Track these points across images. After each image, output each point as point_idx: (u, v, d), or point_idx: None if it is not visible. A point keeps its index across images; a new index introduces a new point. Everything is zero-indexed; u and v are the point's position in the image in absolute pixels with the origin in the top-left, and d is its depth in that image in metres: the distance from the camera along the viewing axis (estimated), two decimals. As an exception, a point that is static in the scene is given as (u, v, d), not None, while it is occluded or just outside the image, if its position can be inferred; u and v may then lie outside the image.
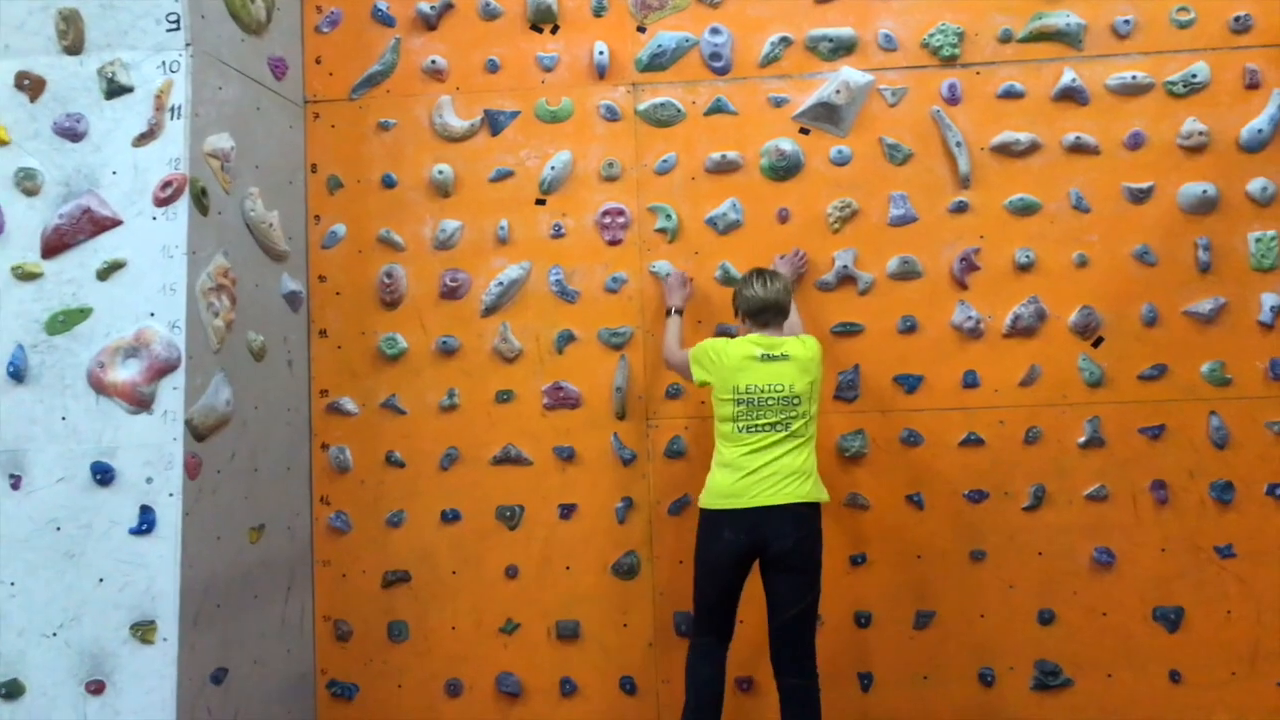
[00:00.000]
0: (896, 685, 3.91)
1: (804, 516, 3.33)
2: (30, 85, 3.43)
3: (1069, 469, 3.88)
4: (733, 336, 3.61)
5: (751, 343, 3.43)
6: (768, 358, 3.39)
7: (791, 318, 3.59)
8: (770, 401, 3.35)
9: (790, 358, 3.40)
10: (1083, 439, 3.88)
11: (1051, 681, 3.85)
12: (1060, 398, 3.89)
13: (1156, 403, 3.86)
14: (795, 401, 3.36)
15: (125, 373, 3.32)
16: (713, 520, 3.39)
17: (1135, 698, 3.83)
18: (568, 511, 4.04)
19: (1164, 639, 3.83)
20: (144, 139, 3.42)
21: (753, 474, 3.33)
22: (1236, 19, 3.87)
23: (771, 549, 3.32)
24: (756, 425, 3.36)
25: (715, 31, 4.03)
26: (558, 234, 4.07)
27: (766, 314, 3.47)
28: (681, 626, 3.96)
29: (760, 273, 3.54)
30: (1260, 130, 3.85)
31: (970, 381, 3.92)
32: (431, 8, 4.13)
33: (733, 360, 3.42)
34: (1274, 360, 3.82)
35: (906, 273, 3.96)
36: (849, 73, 3.99)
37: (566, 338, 4.05)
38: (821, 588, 3.40)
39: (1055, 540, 3.87)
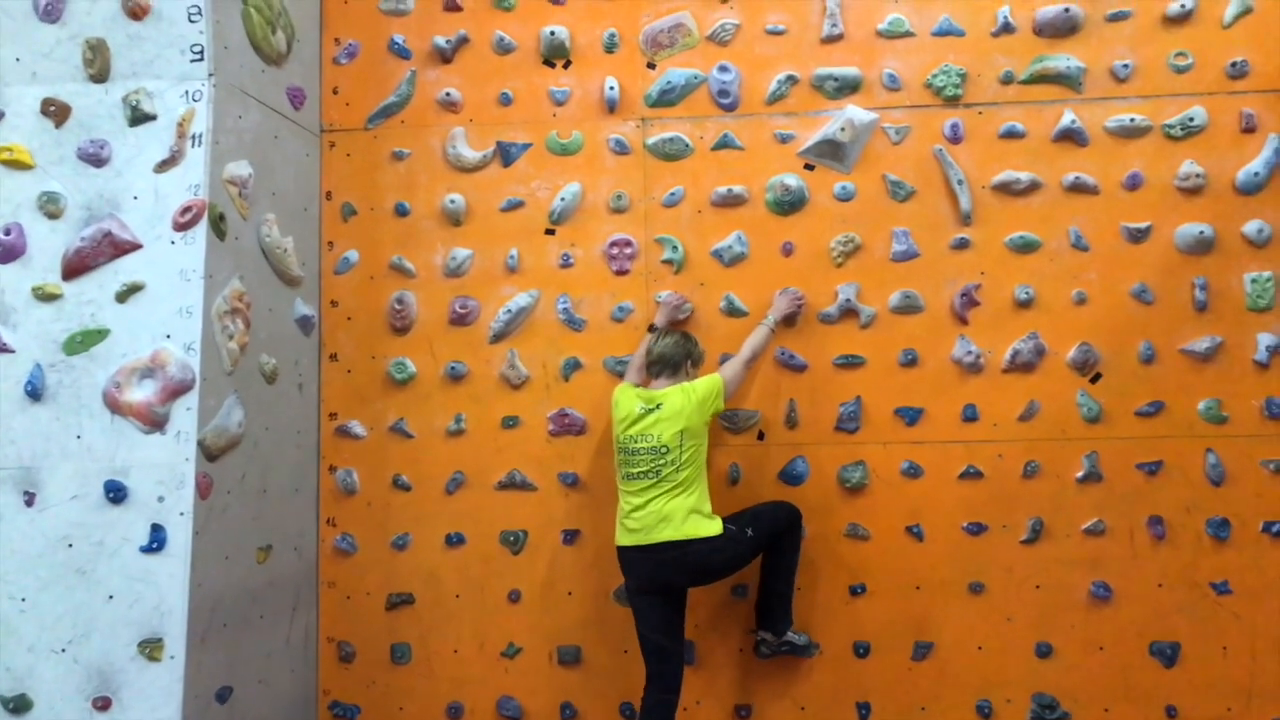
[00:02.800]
0: (895, 716, 3.93)
1: (687, 548, 3.50)
2: (56, 112, 3.53)
3: (1067, 503, 3.92)
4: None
5: (637, 396, 3.68)
6: (644, 410, 3.61)
7: (737, 362, 3.79)
8: (641, 452, 3.57)
9: (662, 408, 3.58)
10: (1081, 474, 3.93)
11: (1049, 715, 3.87)
12: (1059, 433, 3.94)
13: (1154, 439, 3.91)
14: (664, 451, 3.54)
15: (140, 393, 3.39)
16: (621, 558, 3.65)
17: (1132, 732, 3.85)
18: (571, 537, 4.08)
19: (1161, 674, 3.86)
20: (165, 165, 3.50)
21: (631, 517, 3.58)
22: (1233, 64, 3.96)
23: (670, 585, 3.58)
24: (631, 474, 3.60)
25: (723, 69, 4.13)
26: (566, 264, 4.15)
27: (654, 367, 3.72)
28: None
29: (667, 331, 3.81)
30: (1256, 173, 3.92)
31: (970, 415, 3.98)
32: (447, 41, 4.23)
33: (620, 412, 3.68)
34: (1270, 399, 3.87)
35: (908, 307, 4.03)
36: (854, 111, 4.07)
37: (573, 365, 4.11)
38: (752, 538, 3.59)
39: (1053, 573, 3.91)
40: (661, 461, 3.54)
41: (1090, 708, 3.87)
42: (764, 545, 3.70)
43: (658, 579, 3.57)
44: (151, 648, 3.28)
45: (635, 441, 3.59)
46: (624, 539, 3.60)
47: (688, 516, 3.51)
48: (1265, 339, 3.89)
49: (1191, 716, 3.83)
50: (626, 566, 3.63)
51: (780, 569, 3.77)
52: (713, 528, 3.54)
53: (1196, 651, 3.85)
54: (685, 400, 3.58)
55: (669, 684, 3.55)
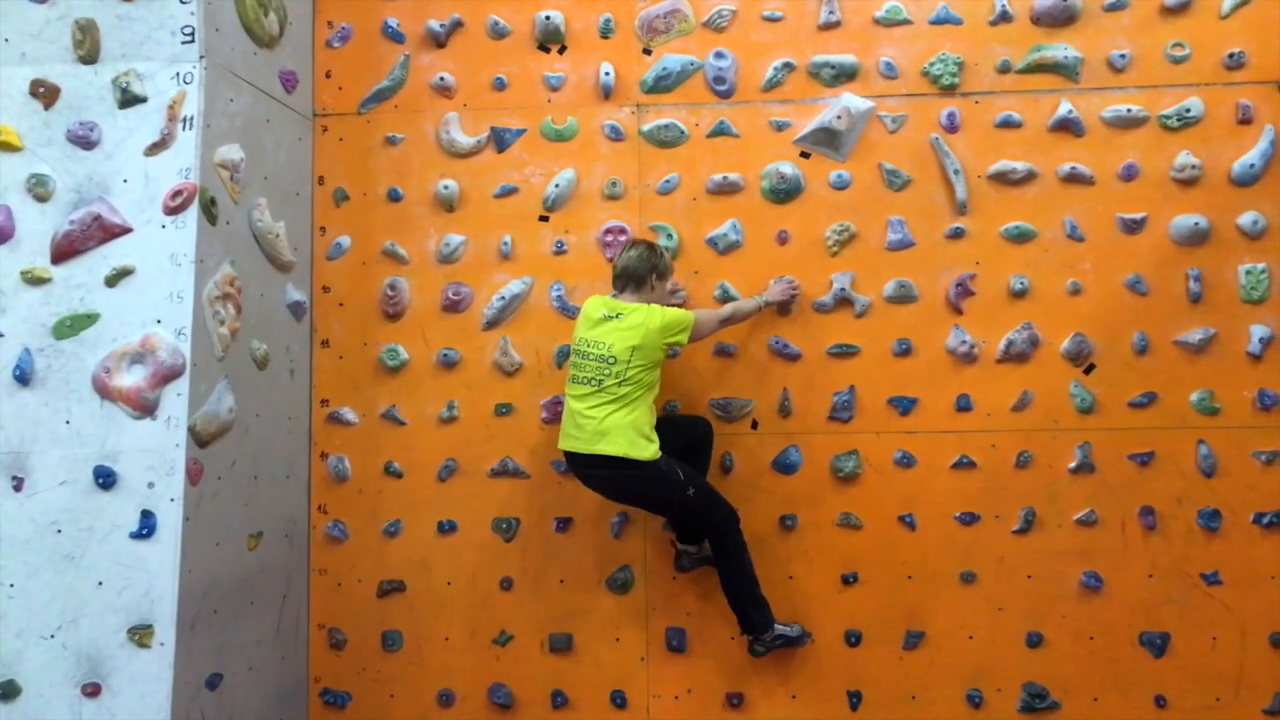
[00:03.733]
0: (885, 705, 3.94)
1: (618, 466, 3.53)
2: (45, 93, 3.49)
3: (1059, 494, 3.93)
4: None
5: (601, 302, 3.68)
6: (605, 317, 3.61)
7: (715, 315, 3.76)
8: (590, 357, 3.58)
9: (622, 318, 3.57)
10: (1073, 464, 3.93)
11: (1039, 704, 3.88)
12: (1052, 423, 3.95)
13: (1146, 430, 3.92)
14: (611, 361, 3.53)
15: (130, 378, 3.36)
16: (568, 460, 3.74)
17: (1121, 722, 3.87)
18: (563, 525, 4.07)
19: (1150, 664, 3.87)
20: (156, 148, 3.47)
21: (572, 421, 3.61)
22: (1230, 56, 3.95)
23: (600, 492, 3.72)
24: (578, 378, 3.62)
25: (719, 56, 4.10)
26: (560, 250, 4.13)
27: (619, 280, 3.70)
28: (673, 642, 3.99)
29: (633, 243, 3.77)
30: (1252, 165, 3.92)
31: (964, 405, 3.98)
32: (441, 25, 4.20)
33: (584, 315, 3.70)
34: (1262, 391, 3.88)
35: (903, 296, 4.02)
36: (850, 99, 4.06)
37: (566, 353, 4.09)
38: (686, 494, 3.60)
39: (1045, 564, 3.92)
40: (606, 372, 3.53)
41: (1080, 697, 3.89)
42: (694, 514, 3.70)
43: (597, 489, 3.70)
44: (141, 634, 3.27)
45: (588, 345, 3.59)
46: (564, 443, 3.65)
47: (624, 433, 3.50)
48: (1258, 331, 3.90)
49: (1180, 706, 3.85)
50: (571, 468, 3.73)
51: (736, 576, 3.74)
52: (647, 451, 3.53)
53: (1186, 642, 3.87)
54: (648, 318, 3.55)
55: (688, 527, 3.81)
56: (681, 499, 3.62)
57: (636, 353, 3.52)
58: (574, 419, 3.59)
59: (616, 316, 3.58)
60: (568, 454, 3.67)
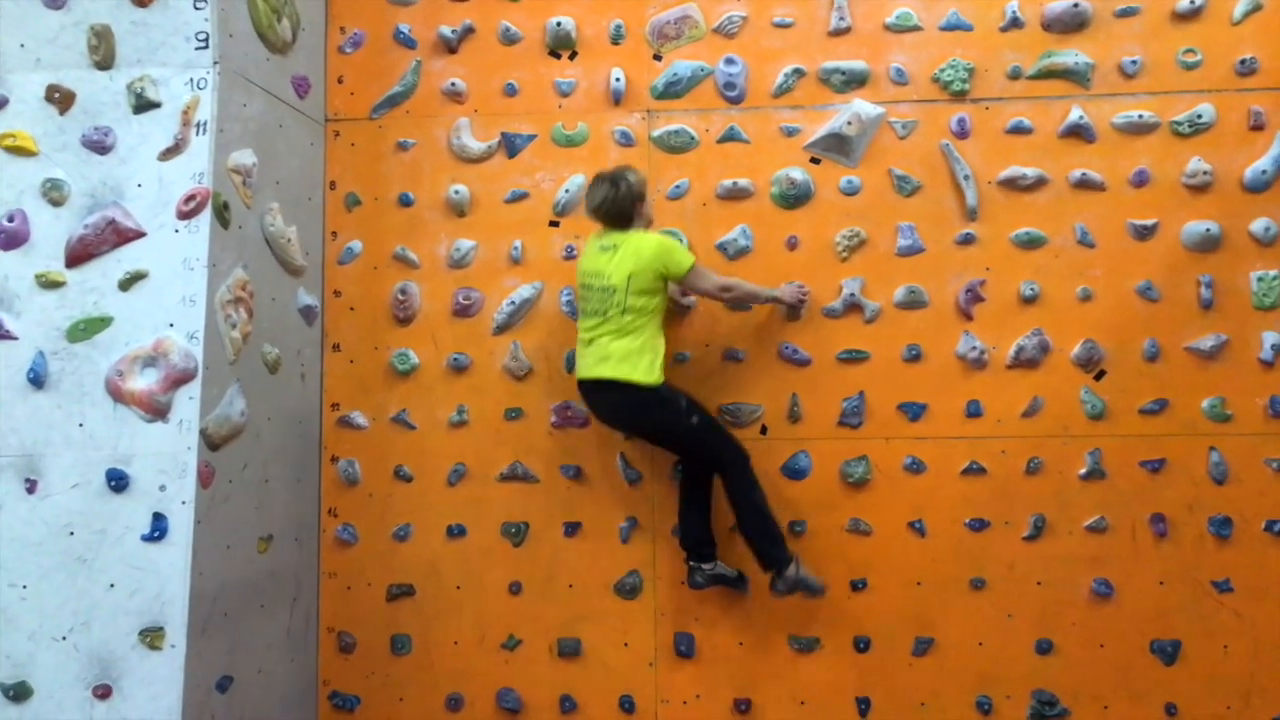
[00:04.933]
0: (894, 711, 3.93)
1: (620, 390, 3.60)
2: (60, 98, 3.51)
3: (1069, 500, 3.92)
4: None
5: (599, 236, 3.75)
6: (602, 249, 3.68)
7: (719, 278, 3.75)
8: (594, 289, 3.65)
9: (618, 249, 3.62)
10: (1084, 471, 3.92)
11: (1048, 711, 3.87)
12: (1062, 429, 3.94)
13: (1157, 437, 3.90)
14: (611, 290, 3.59)
15: (143, 381, 3.38)
16: (579, 389, 3.81)
17: (1132, 730, 3.86)
18: (572, 529, 4.08)
19: (1161, 672, 3.86)
20: (169, 153, 3.49)
21: (581, 352, 3.72)
22: (1242, 62, 3.94)
23: (607, 422, 3.84)
24: (584, 310, 3.71)
25: (730, 61, 4.11)
26: (570, 256, 4.13)
27: (605, 222, 3.73)
28: (681, 647, 3.99)
29: (594, 183, 3.74)
30: (1264, 171, 3.91)
31: (973, 411, 3.97)
32: (453, 31, 4.22)
33: (586, 249, 3.80)
34: (1274, 398, 3.87)
35: (913, 302, 4.02)
36: (860, 105, 4.06)
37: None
38: (689, 422, 3.65)
39: (1055, 570, 3.91)
40: (609, 301, 3.60)
41: (1090, 705, 3.87)
42: (700, 446, 3.73)
43: (604, 419, 3.82)
44: (152, 636, 3.28)
45: (590, 278, 3.67)
46: (577, 373, 3.76)
47: (626, 358, 3.58)
48: (1270, 337, 3.88)
49: (1191, 715, 3.83)
50: (583, 400, 3.83)
51: (751, 514, 3.72)
52: (648, 375, 3.59)
53: (1197, 650, 3.85)
54: (641, 246, 3.60)
55: (694, 467, 3.81)
56: (685, 427, 3.66)
57: (633, 279, 3.57)
58: (581, 349, 3.71)
59: (613, 248, 3.64)
60: (579, 385, 3.75)
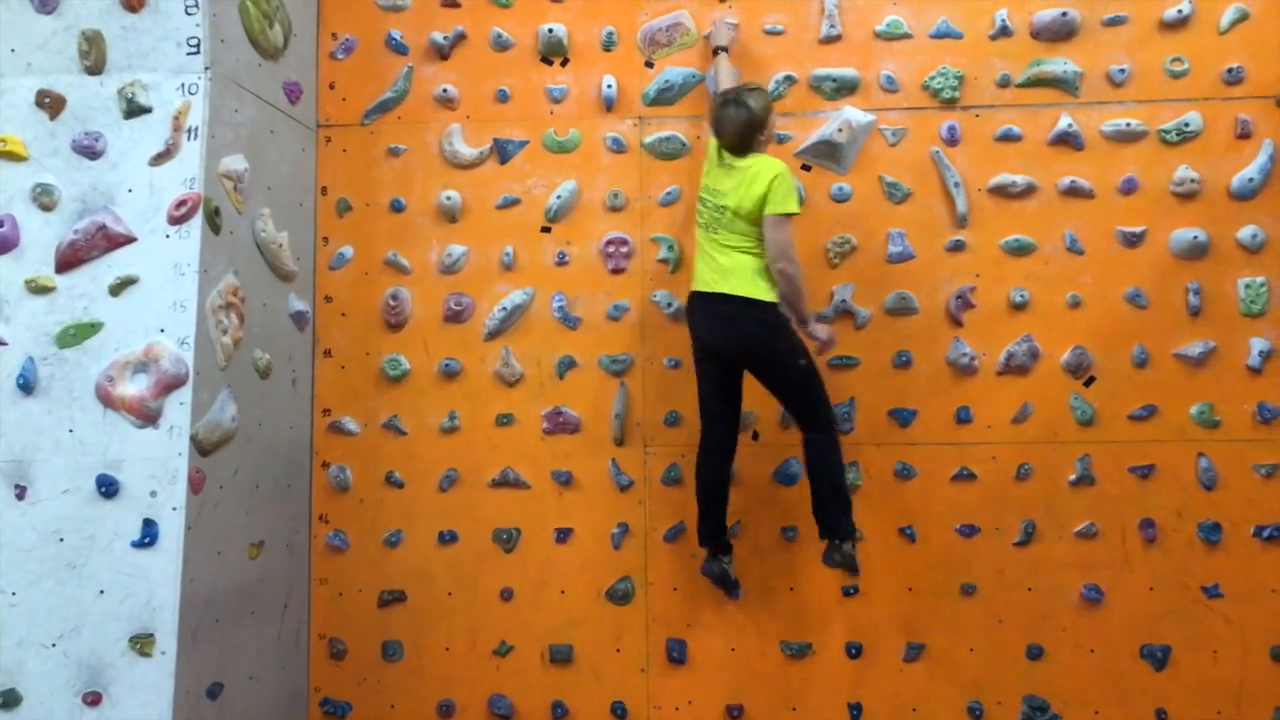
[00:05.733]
0: (886, 717, 3.93)
1: (739, 305, 3.50)
2: (51, 103, 3.50)
3: (1059, 506, 3.94)
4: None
5: (719, 149, 3.65)
6: (724, 167, 3.61)
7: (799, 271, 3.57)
8: (708, 203, 3.61)
9: (734, 170, 3.56)
10: (1073, 477, 3.94)
11: (1039, 717, 3.88)
12: (1052, 436, 3.96)
13: (1146, 443, 3.93)
14: (723, 211, 3.54)
15: (133, 387, 3.37)
16: (688, 305, 3.72)
17: (1122, 735, 3.87)
18: (564, 536, 4.08)
19: (1151, 677, 3.87)
20: (160, 158, 3.48)
21: (699, 263, 3.65)
22: (1229, 70, 3.98)
23: (715, 344, 3.60)
24: (700, 222, 3.65)
25: (721, 69, 4.12)
26: (562, 261, 4.14)
27: (726, 146, 3.62)
28: (673, 653, 3.99)
29: (724, 102, 3.60)
30: (1251, 179, 3.94)
31: (964, 417, 3.99)
32: (445, 38, 4.22)
33: (708, 157, 3.70)
34: (1262, 404, 3.89)
35: (903, 309, 4.03)
36: (851, 112, 4.08)
37: (568, 363, 4.11)
38: (798, 362, 3.53)
39: (1045, 576, 3.92)
40: (721, 219, 3.55)
41: (1081, 710, 3.88)
42: (801, 390, 3.59)
43: (713, 337, 3.60)
44: (142, 643, 3.27)
45: (706, 192, 3.62)
46: (695, 284, 3.66)
47: (744, 273, 3.51)
48: (1258, 344, 3.91)
49: (1181, 719, 3.85)
50: (690, 318, 3.70)
51: (835, 475, 3.61)
52: (769, 294, 3.51)
53: (1187, 655, 3.86)
54: (759, 174, 3.49)
55: (710, 444, 3.68)
56: (794, 365, 3.54)
57: (743, 209, 3.51)
58: (700, 260, 3.64)
59: (731, 168, 3.57)
60: (692, 297, 3.66)
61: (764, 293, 3.51)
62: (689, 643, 4.00)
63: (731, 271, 3.52)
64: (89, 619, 3.28)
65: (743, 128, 3.55)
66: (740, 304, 3.51)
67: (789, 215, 3.52)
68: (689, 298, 3.70)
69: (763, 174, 3.51)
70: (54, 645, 3.27)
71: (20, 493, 3.35)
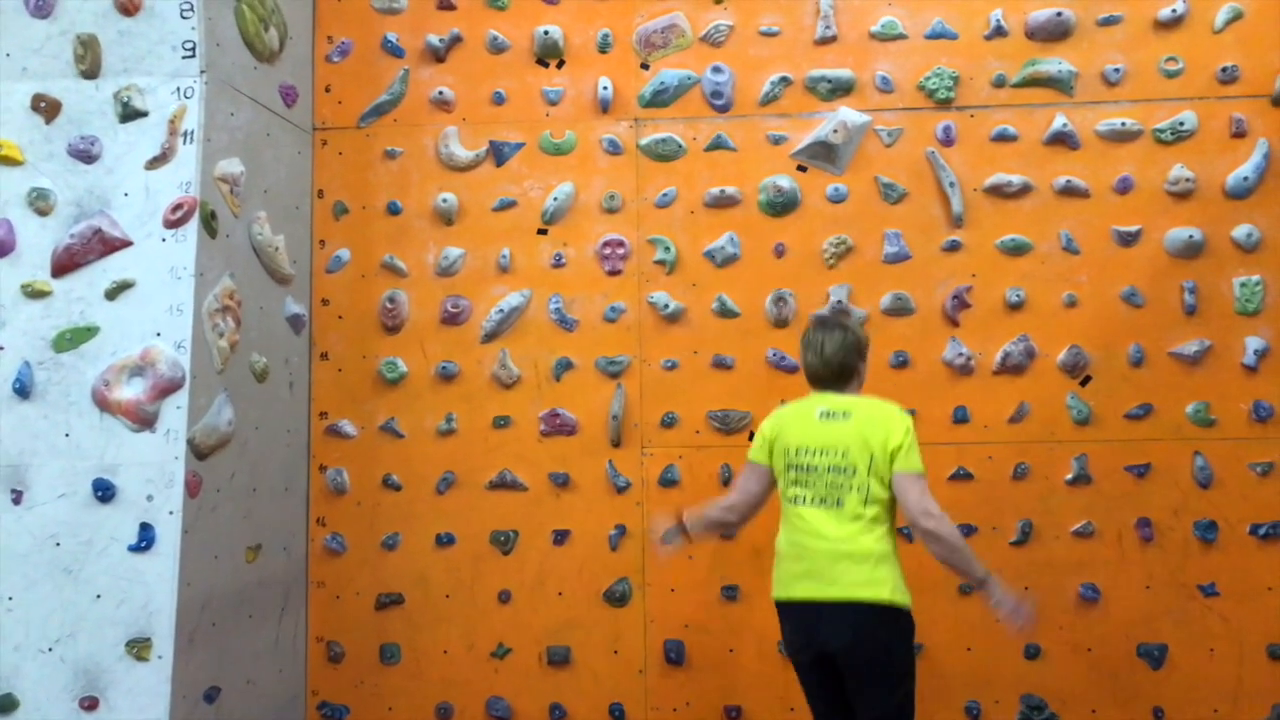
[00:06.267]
0: (884, 717, 3.93)
1: (865, 615, 2.77)
2: (46, 107, 3.50)
3: (1056, 505, 3.94)
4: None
5: (815, 400, 3.00)
6: (826, 415, 2.90)
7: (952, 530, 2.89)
8: (819, 469, 2.85)
9: (851, 417, 2.86)
10: (1070, 476, 3.94)
11: (1037, 716, 3.88)
12: (1048, 435, 3.96)
13: (1143, 442, 3.93)
14: (850, 471, 2.82)
15: (130, 391, 3.37)
16: (779, 613, 2.97)
17: (1119, 734, 3.87)
18: (561, 537, 4.08)
19: (1148, 675, 3.87)
20: (156, 162, 3.49)
21: (799, 559, 2.85)
22: (1224, 70, 3.98)
23: (830, 648, 2.82)
24: (802, 498, 2.87)
25: (717, 70, 4.13)
26: (558, 263, 4.14)
27: (824, 381, 2.99)
28: (671, 654, 3.99)
29: (820, 325, 3.04)
30: (1246, 178, 3.94)
31: (960, 417, 3.99)
32: (440, 40, 4.22)
33: (788, 418, 2.99)
34: (1257, 402, 3.90)
35: (899, 309, 4.04)
36: (846, 113, 4.08)
37: (564, 365, 4.11)
38: (909, 702, 2.94)
39: (1042, 575, 3.92)
40: (845, 485, 2.79)
41: (1078, 709, 3.88)
42: (904, 703, 2.95)
43: (814, 656, 2.87)
44: (139, 647, 3.27)
45: (813, 456, 2.84)
46: (788, 589, 2.87)
47: (873, 568, 2.77)
48: (1253, 343, 3.91)
49: (1178, 718, 3.85)
50: (791, 623, 2.93)
51: None
52: (902, 595, 2.82)
53: (1184, 653, 3.87)
54: (888, 416, 2.85)
55: None
56: (903, 675, 2.89)
57: (876, 461, 2.80)
58: (801, 554, 2.83)
59: (842, 415, 2.87)
60: (789, 605, 2.88)
61: (893, 591, 2.81)
62: (687, 644, 3.99)
63: (856, 559, 2.77)
64: (86, 623, 3.28)
65: (846, 352, 2.96)
66: (876, 614, 2.77)
67: (922, 471, 2.86)
68: (787, 609, 2.93)
69: (892, 413, 2.89)
70: (51, 650, 3.27)
71: (17, 497, 3.35)
